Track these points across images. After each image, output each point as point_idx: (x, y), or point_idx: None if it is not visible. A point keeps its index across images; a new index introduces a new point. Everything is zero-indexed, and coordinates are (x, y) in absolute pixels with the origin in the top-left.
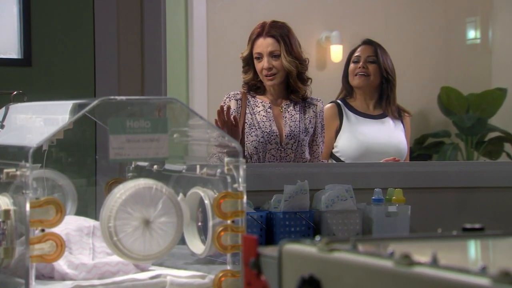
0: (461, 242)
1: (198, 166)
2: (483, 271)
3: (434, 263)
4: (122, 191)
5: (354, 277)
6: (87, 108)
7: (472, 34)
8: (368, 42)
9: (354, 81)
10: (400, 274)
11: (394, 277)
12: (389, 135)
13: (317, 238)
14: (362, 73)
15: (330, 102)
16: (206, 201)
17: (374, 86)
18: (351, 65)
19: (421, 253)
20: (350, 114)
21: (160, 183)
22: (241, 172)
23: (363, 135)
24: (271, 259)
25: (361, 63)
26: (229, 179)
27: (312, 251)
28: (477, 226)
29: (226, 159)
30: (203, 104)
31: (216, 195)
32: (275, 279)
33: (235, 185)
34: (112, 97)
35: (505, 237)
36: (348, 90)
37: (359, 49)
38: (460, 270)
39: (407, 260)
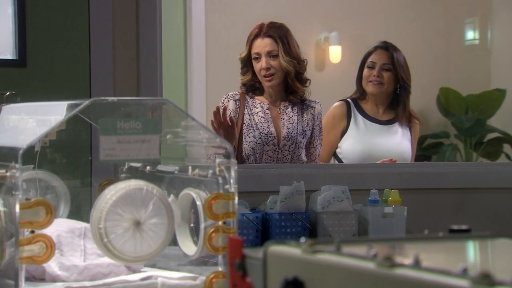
0: (447, 244)
1: (190, 167)
2: (463, 273)
3: (416, 265)
4: (112, 192)
5: (337, 279)
6: (77, 109)
7: (470, 35)
8: (384, 47)
9: (368, 87)
10: (382, 276)
11: (376, 278)
12: (395, 144)
13: (302, 239)
14: (376, 82)
15: (340, 100)
16: (198, 202)
17: (388, 93)
18: (366, 70)
19: (406, 254)
20: (359, 116)
21: (151, 184)
22: (233, 173)
23: (368, 141)
24: (256, 260)
25: (376, 71)
26: (220, 180)
27: (296, 252)
28: (463, 227)
29: (218, 160)
30: (201, 105)
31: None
32: (260, 281)
33: (227, 186)
34: (103, 98)
35: (491, 238)
36: (361, 93)
37: (374, 54)
38: (441, 272)
39: (389, 262)
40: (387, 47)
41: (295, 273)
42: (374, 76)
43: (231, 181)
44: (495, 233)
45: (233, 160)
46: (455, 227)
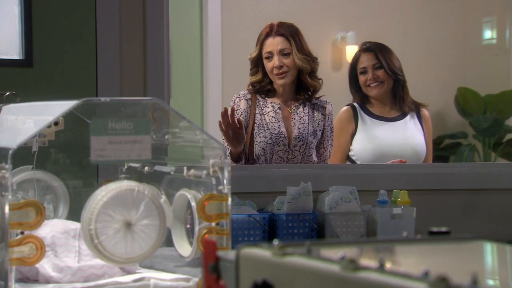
0: (424, 246)
1: (185, 168)
2: (424, 276)
3: (379, 268)
4: (103, 193)
5: (305, 282)
6: (67, 109)
7: (488, 34)
8: (367, 49)
9: (370, 92)
10: (345, 279)
11: (340, 281)
12: (406, 137)
13: (275, 242)
14: (375, 83)
15: (347, 105)
16: (193, 203)
17: (389, 90)
18: (361, 77)
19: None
20: (366, 117)
21: (143, 185)
22: (226, 174)
23: (378, 138)
24: (229, 263)
25: (370, 74)
26: (214, 181)
27: (266, 255)
28: (443, 229)
29: (211, 161)
30: (217, 104)
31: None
32: (233, 284)
33: (220, 187)
34: (95, 98)
35: (471, 241)
36: (362, 98)
37: (361, 59)
38: (402, 275)
39: (353, 265)
40: (369, 49)
41: (265, 276)
42: (370, 79)
43: (224, 182)
44: (475, 236)
45: (227, 161)
46: (434, 229)
